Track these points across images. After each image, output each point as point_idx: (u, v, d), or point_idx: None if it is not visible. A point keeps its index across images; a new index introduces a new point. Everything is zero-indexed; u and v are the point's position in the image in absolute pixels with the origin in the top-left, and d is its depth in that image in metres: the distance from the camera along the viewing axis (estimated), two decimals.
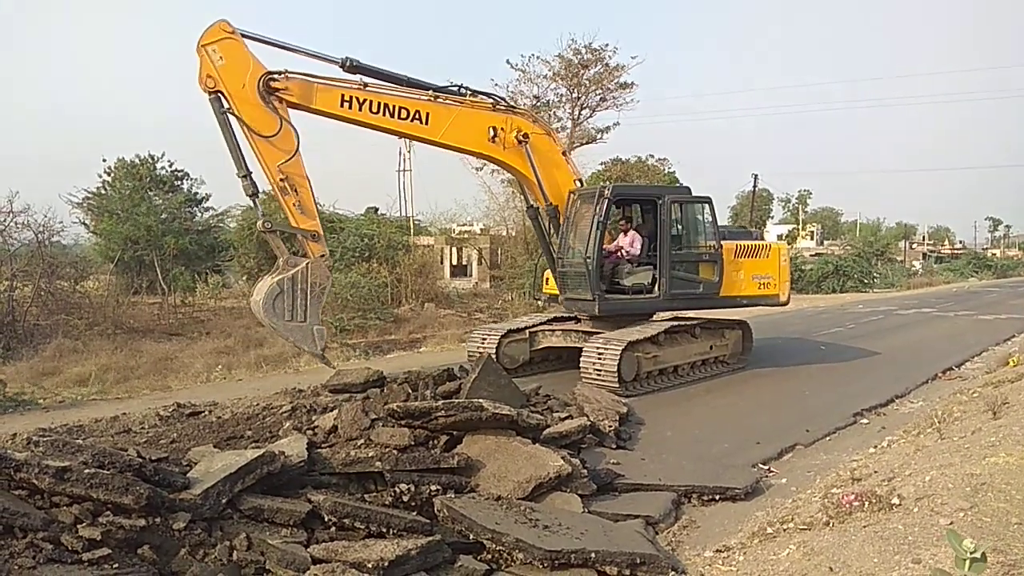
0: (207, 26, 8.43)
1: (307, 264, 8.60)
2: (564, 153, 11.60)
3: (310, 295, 8.60)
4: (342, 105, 9.23)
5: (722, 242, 11.46)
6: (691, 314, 11.69)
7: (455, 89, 10.10)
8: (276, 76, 8.71)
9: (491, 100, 10.56)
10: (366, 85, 9.36)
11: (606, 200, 10.57)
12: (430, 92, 9.83)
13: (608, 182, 30.50)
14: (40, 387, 10.92)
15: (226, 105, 8.50)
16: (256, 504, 4.78)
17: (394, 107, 9.53)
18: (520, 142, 10.49)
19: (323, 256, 8.93)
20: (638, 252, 11.39)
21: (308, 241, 8.92)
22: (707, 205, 11.64)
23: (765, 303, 12.14)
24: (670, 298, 11.06)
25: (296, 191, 8.76)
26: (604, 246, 11.19)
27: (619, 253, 11.46)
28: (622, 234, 11.59)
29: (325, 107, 9.17)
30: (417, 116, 9.70)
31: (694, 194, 11.62)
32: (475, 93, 10.29)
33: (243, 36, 8.54)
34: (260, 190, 8.93)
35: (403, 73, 9.80)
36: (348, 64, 9.36)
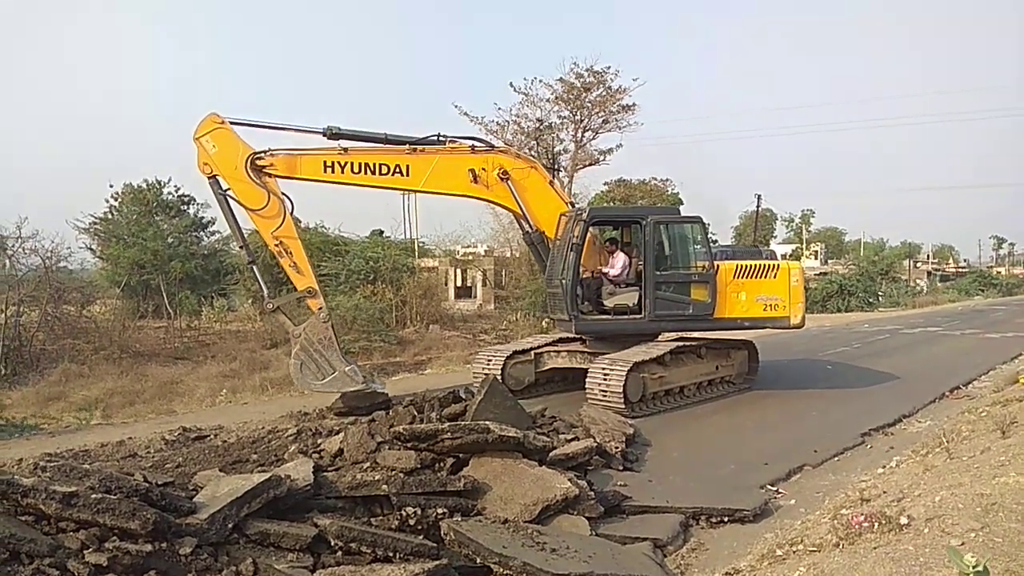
0: (200, 120, 9.70)
1: (303, 328, 9.79)
2: (551, 182, 11.79)
3: (322, 349, 9.74)
4: (325, 170, 10.15)
5: (720, 262, 11.33)
6: (697, 335, 11.66)
7: (433, 139, 10.57)
8: (261, 155, 9.81)
9: (470, 144, 10.88)
10: (346, 149, 10.17)
11: (583, 223, 10.69)
12: (407, 146, 10.45)
13: (612, 203, 30.62)
14: (46, 412, 10.93)
15: (224, 186, 9.78)
16: (262, 528, 4.77)
17: (375, 165, 10.29)
18: (502, 179, 10.74)
19: (320, 308, 9.97)
20: (618, 273, 11.44)
21: (307, 299, 10.10)
22: (697, 225, 11.67)
23: (773, 325, 11.66)
24: (656, 319, 10.95)
25: (290, 253, 9.93)
26: (594, 267, 11.45)
27: (603, 274, 11.53)
28: (609, 255, 11.66)
29: (310, 175, 10.17)
30: (398, 170, 10.39)
31: (686, 214, 11.65)
32: (453, 139, 10.71)
33: (232, 124, 9.76)
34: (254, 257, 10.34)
35: (380, 132, 10.48)
36: (330, 132, 10.10)
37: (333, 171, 10.17)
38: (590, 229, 11.25)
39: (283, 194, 10.01)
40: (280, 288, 11.42)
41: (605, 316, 11.24)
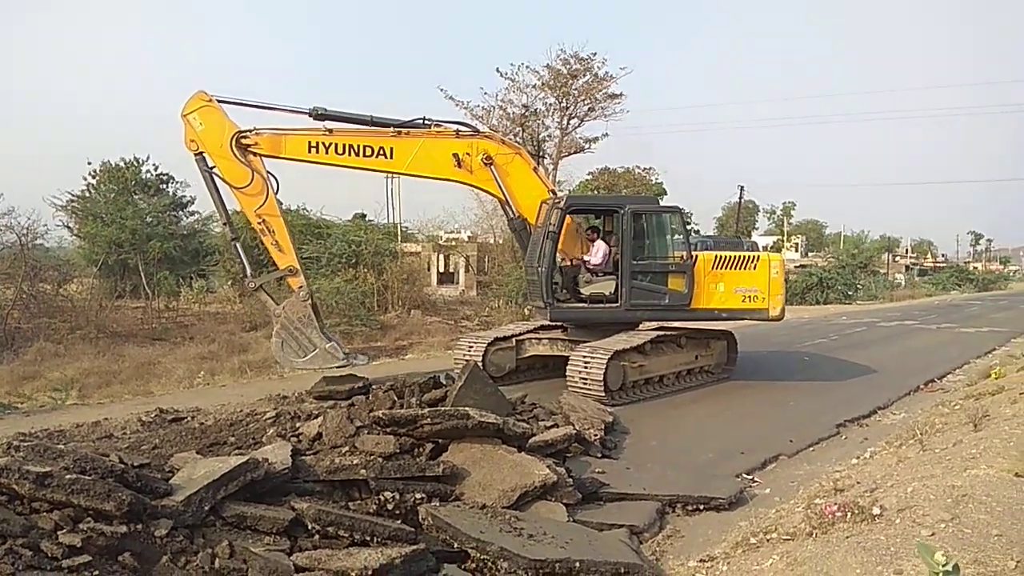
0: (188, 97, 9.90)
1: (283, 307, 10.10)
2: (535, 169, 11.79)
3: (302, 327, 9.98)
4: (310, 151, 10.30)
5: (699, 253, 11.40)
6: (677, 324, 11.71)
7: (419, 122, 10.64)
8: (246, 133, 9.98)
9: (455, 128, 10.89)
10: (331, 130, 10.29)
11: (559, 211, 10.72)
12: (392, 128, 10.50)
13: (597, 191, 30.63)
14: (20, 391, 10.80)
15: (210, 164, 9.98)
16: (239, 511, 4.75)
17: (359, 146, 10.38)
18: (486, 164, 10.75)
19: (301, 287, 10.18)
20: (598, 262, 11.48)
21: (288, 277, 10.33)
22: (675, 215, 11.70)
23: (751, 317, 11.64)
24: (632, 308, 10.98)
25: (272, 231, 10.15)
26: (575, 255, 11.50)
27: (583, 263, 11.57)
28: (590, 244, 11.68)
29: (294, 154, 10.34)
30: (382, 152, 10.45)
31: (665, 204, 11.69)
32: (439, 123, 10.76)
33: (219, 102, 9.94)
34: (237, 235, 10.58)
35: (366, 114, 10.53)
36: (316, 113, 10.26)
37: (317, 151, 10.28)
38: (572, 217, 11.32)
39: (268, 173, 10.11)
40: (261, 270, 11.37)
41: (581, 304, 11.30)
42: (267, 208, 10.09)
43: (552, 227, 10.65)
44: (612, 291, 11.11)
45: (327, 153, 10.32)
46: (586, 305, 11.29)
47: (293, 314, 10.02)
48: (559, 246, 11.01)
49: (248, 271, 10.38)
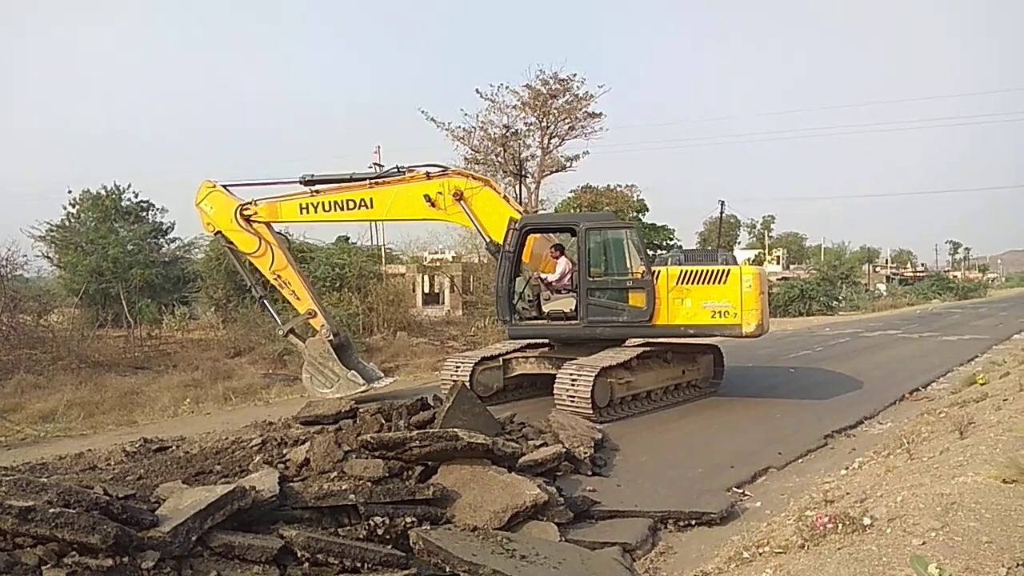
0: (197, 188, 11.84)
1: (306, 346, 11.78)
2: (506, 197, 12.13)
3: (324, 361, 11.49)
4: (301, 212, 11.79)
5: (662, 268, 10.97)
6: (662, 340, 11.64)
7: (393, 171, 11.69)
8: (247, 206, 11.67)
9: (425, 171, 11.49)
10: (317, 191, 11.66)
11: (514, 232, 10.95)
12: (368, 181, 11.63)
13: (579, 209, 30.75)
14: (1, 424, 10.62)
15: (228, 240, 11.81)
16: (227, 541, 4.68)
17: (343, 202, 11.64)
18: (457, 200, 11.25)
19: (323, 326, 11.84)
20: (557, 279, 11.63)
21: (309, 320, 11.98)
22: (632, 231, 11.78)
23: (722, 333, 10.96)
24: (590, 325, 10.92)
25: (288, 284, 11.90)
26: (542, 273, 11.81)
27: (542, 280, 11.74)
28: (554, 261, 11.81)
29: (289, 217, 12.08)
30: (363, 203, 11.59)
31: (620, 221, 11.84)
32: (411, 168, 11.55)
33: (223, 186, 11.75)
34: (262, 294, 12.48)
35: (347, 173, 11.81)
36: (305, 180, 11.68)
37: (308, 212, 11.74)
38: (535, 236, 11.66)
39: (279, 233, 12.06)
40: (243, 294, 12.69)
41: (542, 321, 11.42)
42: (277, 265, 11.79)
43: (508, 248, 10.94)
44: (572, 308, 11.16)
45: (316, 212, 11.68)
46: (546, 322, 11.39)
47: (315, 351, 11.57)
48: (521, 265, 11.34)
49: (278, 320, 12.33)
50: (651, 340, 11.50)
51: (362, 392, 11.24)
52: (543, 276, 11.76)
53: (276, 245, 11.85)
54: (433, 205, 11.28)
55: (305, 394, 11.89)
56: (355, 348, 12.90)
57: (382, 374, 12.61)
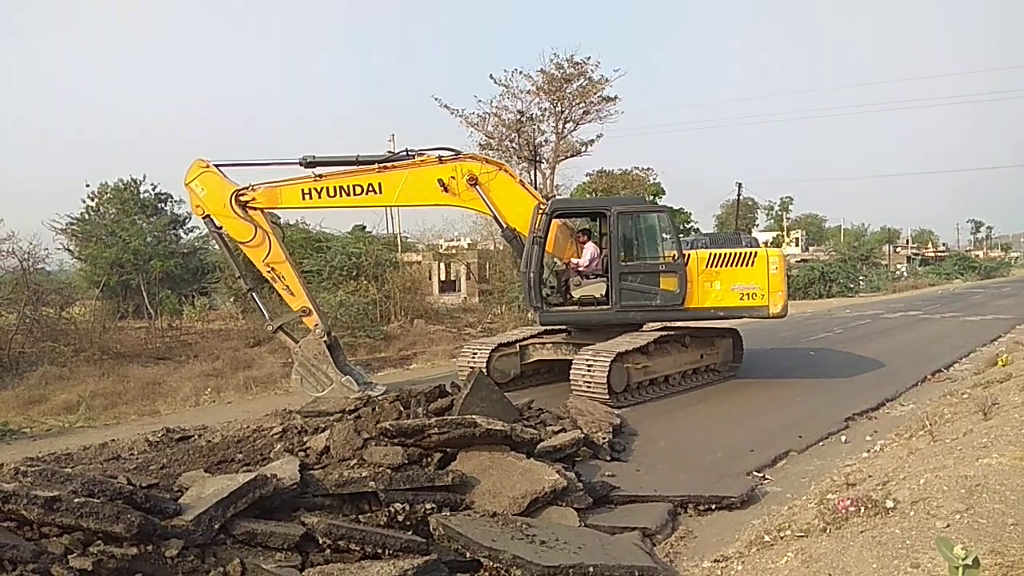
0: (188, 167, 10.77)
1: (300, 346, 10.81)
2: (521, 182, 11.87)
3: (318, 364, 10.66)
4: (304, 198, 10.88)
5: (692, 251, 11.29)
6: (680, 324, 11.67)
7: (403, 154, 10.97)
8: (244, 190, 10.68)
9: (437, 155, 10.93)
10: (320, 176, 10.76)
11: (544, 216, 10.75)
12: (377, 165, 10.82)
13: (595, 194, 30.62)
14: (27, 416, 10.78)
15: (217, 224, 10.79)
16: (249, 528, 4.72)
17: (349, 186, 10.84)
18: (471, 185, 10.80)
19: (316, 325, 10.91)
20: (587, 264, 11.47)
21: (303, 317, 11.02)
22: (663, 215, 11.68)
23: (751, 315, 11.24)
24: (622, 310, 10.91)
25: (282, 277, 10.89)
26: (566, 259, 11.57)
27: (572, 266, 11.58)
28: (581, 247, 11.69)
29: (290, 203, 11.11)
30: (371, 189, 10.83)
31: (652, 204, 11.69)
32: (421, 152, 10.94)
33: (216, 166, 10.73)
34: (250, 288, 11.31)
35: (352, 155, 10.92)
36: (306, 161, 10.72)
37: (311, 197, 10.85)
38: (562, 221, 11.41)
39: (273, 223, 10.87)
40: (262, 285, 11.94)
41: (572, 307, 11.29)
42: (273, 256, 10.79)
43: (538, 232, 10.71)
44: (603, 293, 11.10)
45: (320, 197, 10.83)
46: (577, 308, 11.28)
47: (309, 352, 10.70)
48: (548, 250, 11.08)
49: (267, 315, 11.19)
50: (668, 325, 11.53)
51: (355, 398, 10.14)
52: (573, 261, 11.58)
53: (273, 235, 10.89)
54: (446, 190, 10.83)
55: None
56: (344, 350, 12.03)
57: (371, 380, 11.60)
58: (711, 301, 10.93)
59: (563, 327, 11.76)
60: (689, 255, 11.11)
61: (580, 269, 11.52)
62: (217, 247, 11.08)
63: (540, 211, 10.88)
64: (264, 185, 10.81)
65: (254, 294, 11.29)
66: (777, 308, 10.95)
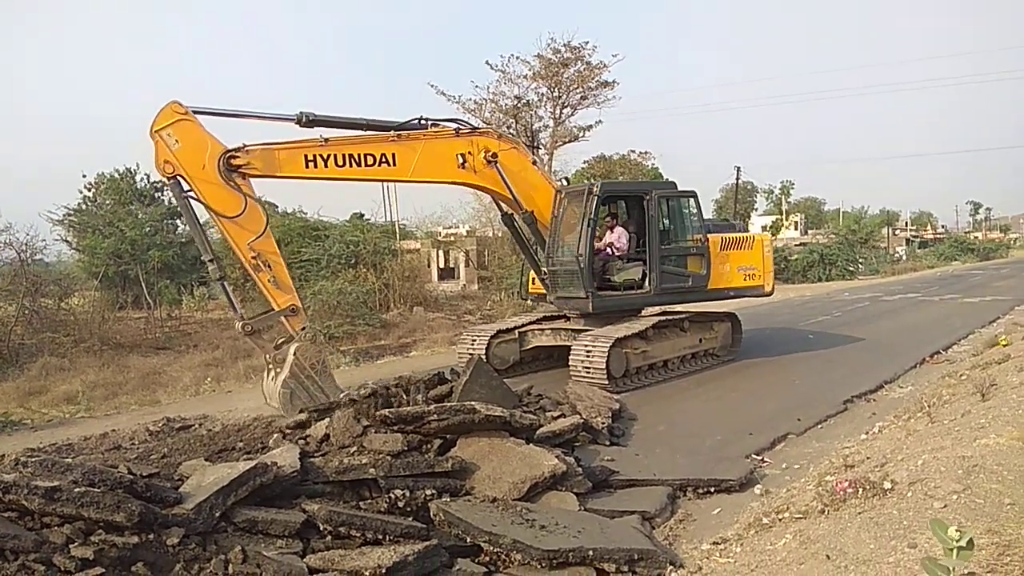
0: (159, 109, 8.08)
1: (294, 351, 8.54)
2: (533, 162, 11.62)
3: (315, 376, 8.56)
4: (307, 165, 8.93)
5: (708, 235, 11.52)
6: (679, 308, 11.73)
7: (416, 123, 9.74)
8: (236, 153, 8.42)
9: (454, 126, 10.13)
10: (327, 140, 9.02)
11: (595, 197, 10.61)
12: (391, 132, 9.50)
13: (594, 179, 30.56)
14: (27, 407, 10.81)
15: (187, 188, 8.29)
16: (250, 516, 4.74)
17: (359, 155, 9.23)
18: (489, 162, 10.12)
19: (304, 328, 8.79)
20: (626, 248, 11.45)
21: (289, 318, 8.76)
22: (692, 199, 11.70)
23: (751, 294, 12.46)
24: (660, 293, 11.11)
25: (269, 267, 8.62)
26: (607, 243, 11.48)
27: (608, 250, 11.46)
28: (608, 231, 11.60)
29: (291, 172, 8.92)
30: (384, 159, 9.38)
31: (679, 188, 11.68)
32: (436, 123, 9.92)
33: (197, 114, 8.25)
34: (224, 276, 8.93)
35: (360, 117, 9.48)
36: (304, 120, 9.01)
37: (316, 165, 8.97)
38: (569, 205, 11.14)
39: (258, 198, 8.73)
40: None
41: (616, 292, 11.18)
42: (264, 242, 8.57)
43: (590, 214, 10.54)
44: (640, 276, 11.17)
45: (326, 166, 9.02)
46: (620, 292, 11.19)
47: (306, 360, 8.59)
48: (554, 235, 10.91)
49: (239, 311, 8.78)
50: (667, 309, 11.60)
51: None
52: (614, 244, 11.47)
53: (264, 213, 8.73)
54: (464, 166, 9.92)
55: None
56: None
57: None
58: (724, 282, 11.73)
59: (560, 313, 11.77)
60: (709, 239, 11.52)
61: (620, 253, 11.46)
62: (185, 219, 8.36)
63: (590, 193, 10.61)
64: (260, 147, 8.64)
65: (225, 284, 8.95)
66: (769, 287, 12.37)
